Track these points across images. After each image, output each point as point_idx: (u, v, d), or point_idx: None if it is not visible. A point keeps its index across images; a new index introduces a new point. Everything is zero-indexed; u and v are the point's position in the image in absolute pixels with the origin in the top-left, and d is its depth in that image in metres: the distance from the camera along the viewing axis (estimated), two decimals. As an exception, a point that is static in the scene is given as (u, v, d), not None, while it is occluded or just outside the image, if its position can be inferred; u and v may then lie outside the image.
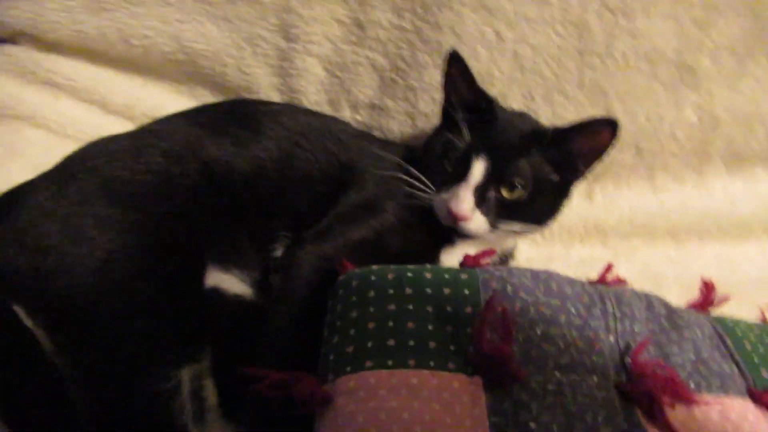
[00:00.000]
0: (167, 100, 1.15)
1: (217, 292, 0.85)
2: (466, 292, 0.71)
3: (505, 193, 0.89)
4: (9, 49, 1.12)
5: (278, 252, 0.93)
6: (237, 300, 0.87)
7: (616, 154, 1.16)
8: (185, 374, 0.71)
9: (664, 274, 1.13)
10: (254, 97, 1.18)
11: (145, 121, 1.07)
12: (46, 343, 0.68)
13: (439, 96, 1.13)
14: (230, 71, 1.15)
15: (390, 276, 0.72)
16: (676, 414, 0.64)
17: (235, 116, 1.00)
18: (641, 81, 1.11)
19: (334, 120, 1.12)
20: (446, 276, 0.73)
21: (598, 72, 1.11)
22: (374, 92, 1.18)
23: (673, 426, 0.62)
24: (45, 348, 0.68)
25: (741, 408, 0.67)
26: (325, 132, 1.02)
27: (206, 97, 1.19)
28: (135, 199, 0.80)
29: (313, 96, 1.18)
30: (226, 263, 0.87)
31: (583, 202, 1.21)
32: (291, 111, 1.06)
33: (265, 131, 0.97)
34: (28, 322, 0.68)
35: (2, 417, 0.64)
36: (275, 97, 1.18)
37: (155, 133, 0.93)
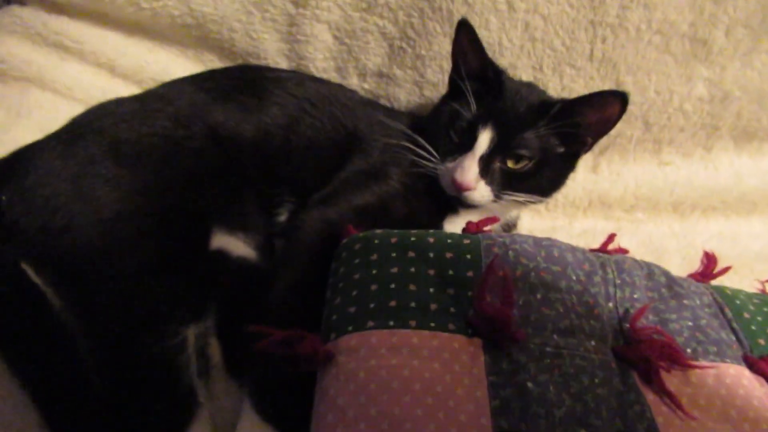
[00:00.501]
0: (175, 65, 1.15)
1: (222, 254, 0.86)
2: (468, 256, 0.72)
3: (510, 164, 0.89)
4: (17, 10, 1.12)
5: (283, 216, 0.94)
6: (242, 262, 0.88)
7: (624, 128, 1.16)
8: (191, 332, 0.73)
9: (667, 247, 1.14)
10: (262, 63, 1.18)
11: (152, 84, 1.08)
12: (55, 300, 0.69)
13: (447, 65, 1.13)
14: (238, 36, 1.14)
15: (393, 240, 0.73)
16: (671, 378, 0.65)
17: (241, 82, 1.00)
18: (653, 54, 1.10)
19: (341, 88, 1.12)
20: (449, 241, 0.74)
21: (609, 44, 1.10)
22: (382, 60, 1.17)
23: (668, 389, 0.63)
24: (53, 305, 0.69)
25: (736, 374, 0.68)
26: (331, 99, 1.02)
27: (214, 62, 1.19)
28: (142, 160, 0.81)
29: (321, 63, 1.18)
30: (231, 226, 0.88)
31: (588, 174, 1.21)
32: (298, 78, 1.06)
33: (272, 98, 0.98)
34: (37, 280, 0.70)
35: (12, 371, 0.65)
36: (283, 64, 1.18)
37: (162, 97, 0.93)
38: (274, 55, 1.17)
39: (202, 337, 0.77)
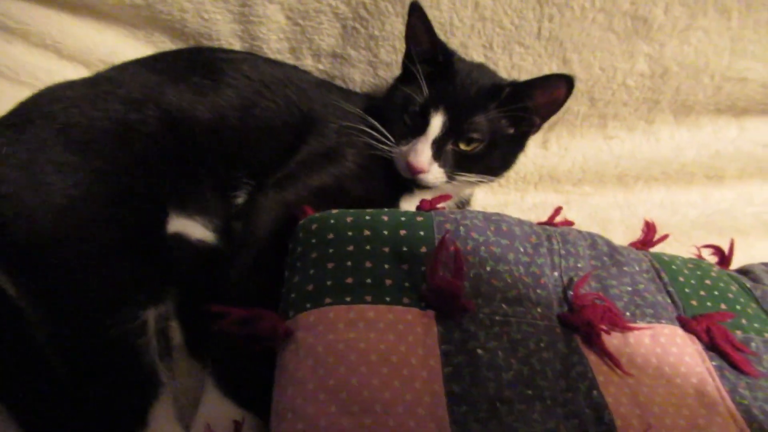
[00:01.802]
0: (124, 46, 1.13)
1: (180, 238, 0.86)
2: (422, 233, 0.74)
3: (462, 146, 0.91)
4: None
5: (241, 199, 0.95)
6: (200, 245, 0.89)
7: (571, 104, 1.20)
8: (150, 315, 0.73)
9: (612, 218, 1.19)
10: (214, 44, 1.16)
11: (101, 67, 1.06)
12: (9, 288, 0.69)
13: (400, 45, 1.14)
14: (189, 17, 1.13)
15: (348, 219, 0.75)
16: (611, 340, 0.70)
17: (194, 64, 0.99)
18: (597, 32, 1.14)
19: (296, 69, 1.12)
20: (402, 219, 0.76)
21: (556, 23, 1.13)
22: (336, 41, 1.17)
23: (608, 350, 0.68)
24: (8, 293, 0.69)
25: (670, 333, 0.73)
26: (286, 81, 1.02)
27: (165, 44, 1.17)
28: (94, 145, 0.80)
29: (275, 44, 1.17)
30: (188, 210, 0.88)
31: (538, 150, 1.25)
32: (252, 60, 1.06)
33: (226, 80, 0.97)
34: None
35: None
36: (236, 45, 1.17)
37: (113, 80, 0.92)
38: (227, 36, 1.16)
39: (162, 319, 0.78)
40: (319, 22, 1.15)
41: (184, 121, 0.90)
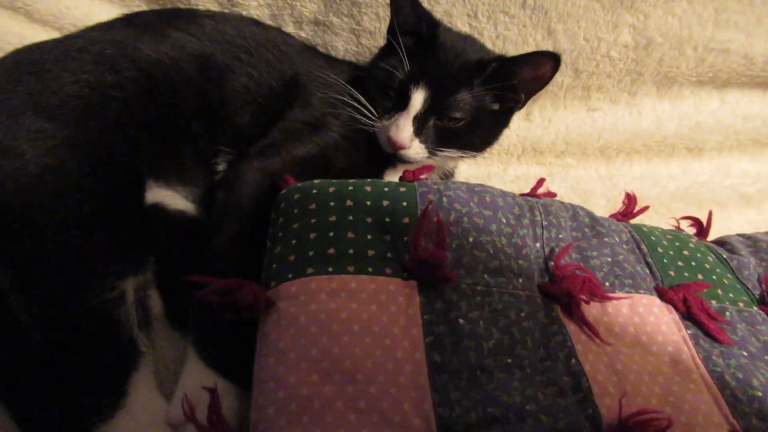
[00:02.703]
0: (99, 9, 1.09)
1: (159, 208, 0.85)
2: (404, 203, 0.74)
3: (444, 122, 0.90)
4: None
5: (222, 167, 0.94)
6: (180, 215, 0.87)
7: (556, 75, 1.19)
8: (129, 285, 0.72)
9: (593, 190, 1.20)
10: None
11: (73, 31, 1.02)
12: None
13: (384, 13, 1.12)
14: (165, -20, 1.09)
15: (331, 189, 0.75)
16: (590, 309, 0.71)
17: (173, 18, 0.96)
18: (582, 1, 1.13)
19: (280, 32, 1.09)
20: (385, 189, 0.76)
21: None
22: (318, 7, 1.15)
23: (587, 319, 0.69)
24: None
25: (648, 303, 0.74)
26: (269, 45, 0.99)
27: (140, 9, 1.13)
28: (65, 110, 0.77)
29: (255, 11, 1.14)
30: (168, 179, 0.87)
31: (521, 122, 1.25)
32: (235, 20, 1.03)
33: (208, 35, 0.94)
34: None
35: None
36: (215, 10, 1.14)
37: (85, 38, 0.88)
38: (205, 1, 1.13)
39: (141, 289, 0.77)
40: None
41: (162, 80, 0.87)
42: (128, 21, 0.94)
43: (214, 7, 1.14)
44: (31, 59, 0.82)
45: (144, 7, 1.13)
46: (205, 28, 0.95)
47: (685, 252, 0.83)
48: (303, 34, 1.17)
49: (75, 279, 0.69)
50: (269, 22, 1.15)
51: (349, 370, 0.59)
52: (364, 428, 0.55)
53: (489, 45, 1.11)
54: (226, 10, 1.14)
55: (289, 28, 1.17)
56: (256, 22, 1.08)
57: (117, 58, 0.84)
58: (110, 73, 0.83)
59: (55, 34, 1.06)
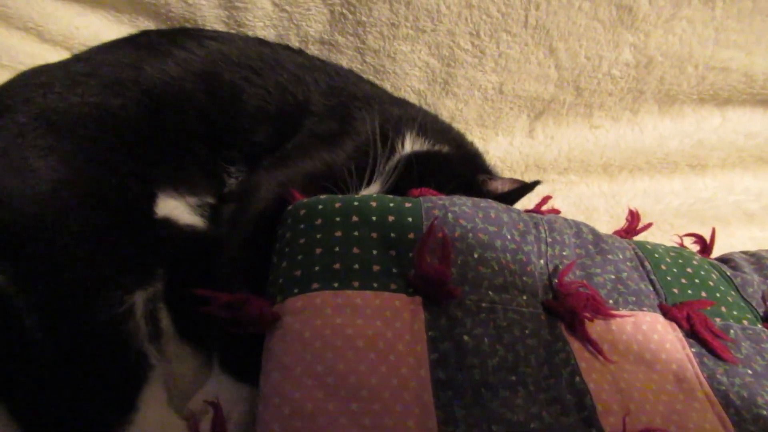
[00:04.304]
0: (108, 30, 1.11)
1: (169, 221, 0.86)
2: (410, 219, 0.75)
3: None
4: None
5: (231, 181, 0.95)
6: (189, 229, 0.88)
7: (558, 93, 1.21)
8: (138, 298, 0.73)
9: (596, 206, 1.21)
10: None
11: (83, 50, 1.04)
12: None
13: (388, 32, 1.14)
14: (174, 1, 1.11)
15: (337, 205, 0.75)
16: (594, 327, 0.71)
17: (179, 38, 0.98)
18: (583, 20, 1.14)
19: (289, 50, 1.10)
20: (391, 205, 0.76)
21: (543, 11, 1.13)
22: (324, 27, 1.17)
23: (591, 337, 0.69)
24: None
25: (652, 321, 0.74)
26: (276, 66, 1.00)
27: (149, 28, 1.15)
28: (74, 130, 0.79)
29: (261, 31, 1.16)
30: (178, 193, 0.88)
31: (525, 139, 1.26)
32: (241, 40, 1.04)
33: (213, 55, 0.96)
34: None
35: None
36: (221, 30, 1.16)
37: (90, 62, 0.90)
38: (212, 21, 1.14)
39: (150, 302, 0.78)
40: (307, 8, 1.14)
41: (167, 100, 0.89)
42: (134, 42, 0.97)
43: (220, 28, 1.16)
44: (41, 81, 0.84)
45: (151, 28, 1.15)
46: (210, 48, 0.97)
47: (689, 269, 0.83)
48: (308, 53, 1.19)
49: (86, 293, 0.70)
50: (276, 41, 1.17)
51: (354, 386, 0.59)
52: (369, 445, 0.55)
53: (491, 64, 1.12)
54: (232, 31, 1.16)
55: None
56: (264, 42, 1.10)
57: (122, 81, 0.87)
58: (116, 96, 0.85)
59: (65, 54, 1.08)
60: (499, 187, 0.92)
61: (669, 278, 0.81)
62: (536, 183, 0.90)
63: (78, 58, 0.94)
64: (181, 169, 0.89)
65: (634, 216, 0.98)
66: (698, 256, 0.90)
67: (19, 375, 0.66)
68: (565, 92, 1.21)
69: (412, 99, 1.23)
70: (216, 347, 0.73)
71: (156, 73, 0.90)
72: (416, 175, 0.89)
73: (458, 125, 1.20)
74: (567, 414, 0.62)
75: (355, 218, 0.73)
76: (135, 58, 0.91)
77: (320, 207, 0.75)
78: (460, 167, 0.97)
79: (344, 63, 1.20)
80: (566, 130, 1.25)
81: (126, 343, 0.70)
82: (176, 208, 0.88)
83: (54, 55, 1.05)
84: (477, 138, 1.21)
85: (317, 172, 0.89)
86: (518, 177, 1.28)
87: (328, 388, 0.58)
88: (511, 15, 1.14)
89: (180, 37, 0.98)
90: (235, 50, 0.99)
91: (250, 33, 1.16)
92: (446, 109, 1.24)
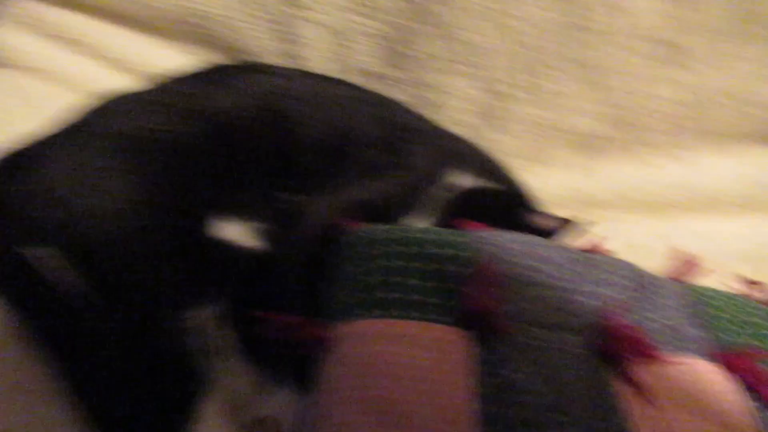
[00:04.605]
0: (181, 61, 1.18)
1: (226, 243, 0.90)
2: (466, 253, 0.76)
3: None
4: (26, 3, 1.14)
5: (287, 208, 0.98)
6: (250, 252, 0.92)
7: (608, 130, 1.20)
8: (200, 316, 0.77)
9: (649, 246, 1.18)
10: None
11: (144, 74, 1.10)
12: (77, 284, 0.72)
13: (445, 67, 1.16)
14: (240, 37, 1.17)
15: (396, 235, 0.77)
16: (647, 373, 0.70)
17: (246, 72, 1.03)
18: (638, 60, 1.15)
19: (343, 85, 1.13)
20: (448, 238, 0.78)
21: (598, 50, 1.15)
22: (380, 62, 1.21)
23: (641, 382, 0.68)
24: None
25: (708, 369, 0.72)
26: (332, 100, 1.04)
27: (219, 61, 1.21)
28: (148, 154, 0.85)
29: (320, 64, 1.21)
30: (234, 216, 0.92)
31: (574, 176, 1.26)
32: (301, 74, 1.09)
33: (274, 87, 1.00)
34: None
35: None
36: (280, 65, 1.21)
37: (166, 91, 0.97)
38: (273, 55, 1.20)
39: (212, 320, 0.82)
40: (364, 43, 1.19)
41: (230, 129, 0.94)
42: (206, 74, 1.02)
43: (280, 61, 1.21)
44: (118, 107, 0.91)
45: (222, 60, 1.21)
46: (274, 82, 1.02)
47: (746, 316, 0.81)
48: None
49: (151, 307, 0.73)
50: (332, 74, 1.21)
51: (404, 415, 0.60)
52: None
53: (545, 100, 1.14)
54: (291, 64, 1.21)
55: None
56: (320, 77, 1.14)
57: (188, 110, 0.92)
58: (182, 124, 0.91)
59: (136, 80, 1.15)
60: (548, 223, 0.93)
61: (724, 325, 0.79)
62: (585, 221, 0.90)
63: (154, 87, 1.00)
64: (242, 196, 0.93)
65: (688, 258, 0.96)
66: (756, 303, 0.87)
67: (93, 384, 0.70)
68: (617, 129, 1.22)
69: (465, 133, 1.25)
70: (277, 364, 0.75)
71: (223, 105, 0.95)
72: (467, 209, 0.91)
73: (509, 160, 1.21)
74: (616, 460, 0.61)
75: (414, 249, 0.75)
76: (202, 88, 0.96)
77: (379, 236, 0.77)
78: (509, 203, 0.99)
79: (399, 96, 1.23)
80: (616, 168, 1.25)
81: (187, 360, 0.73)
82: (235, 230, 0.92)
83: (130, 83, 1.12)
84: (528, 173, 1.22)
85: (371, 202, 0.91)
86: (568, 214, 1.28)
87: (378, 415, 0.60)
88: (566, 54, 1.16)
89: (247, 71, 1.04)
90: (296, 84, 1.04)
91: (309, 65, 1.21)
92: (497, 144, 1.26)
